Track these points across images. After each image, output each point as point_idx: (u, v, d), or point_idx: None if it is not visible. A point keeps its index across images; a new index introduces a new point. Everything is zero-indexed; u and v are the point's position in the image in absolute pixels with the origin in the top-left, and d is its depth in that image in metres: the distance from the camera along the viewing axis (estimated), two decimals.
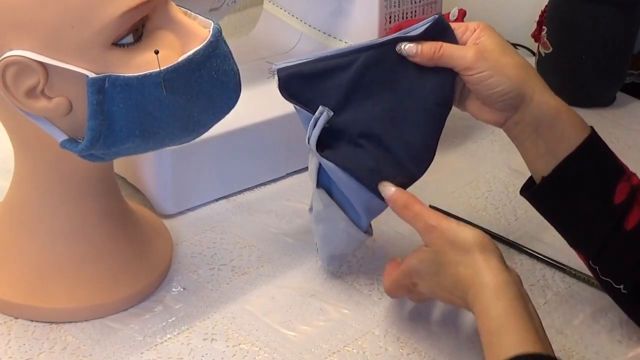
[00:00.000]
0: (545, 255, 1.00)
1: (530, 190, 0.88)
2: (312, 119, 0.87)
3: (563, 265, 0.98)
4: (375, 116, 0.88)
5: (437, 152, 0.89)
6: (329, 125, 0.87)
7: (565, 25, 1.31)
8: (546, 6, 1.35)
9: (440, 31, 0.87)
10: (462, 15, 1.11)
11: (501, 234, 1.04)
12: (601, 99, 1.36)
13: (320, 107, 0.87)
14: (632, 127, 1.31)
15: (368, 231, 0.92)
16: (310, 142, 0.87)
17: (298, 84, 0.87)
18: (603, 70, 1.32)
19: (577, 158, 0.84)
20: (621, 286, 0.86)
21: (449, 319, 0.91)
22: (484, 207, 1.10)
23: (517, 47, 1.51)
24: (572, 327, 0.92)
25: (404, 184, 0.88)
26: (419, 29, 0.87)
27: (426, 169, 0.89)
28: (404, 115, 0.88)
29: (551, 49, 1.33)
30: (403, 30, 0.88)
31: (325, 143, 0.88)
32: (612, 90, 1.36)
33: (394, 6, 1.10)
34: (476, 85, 0.85)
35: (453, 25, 0.88)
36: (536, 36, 1.39)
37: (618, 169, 0.85)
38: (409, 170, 0.88)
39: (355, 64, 0.87)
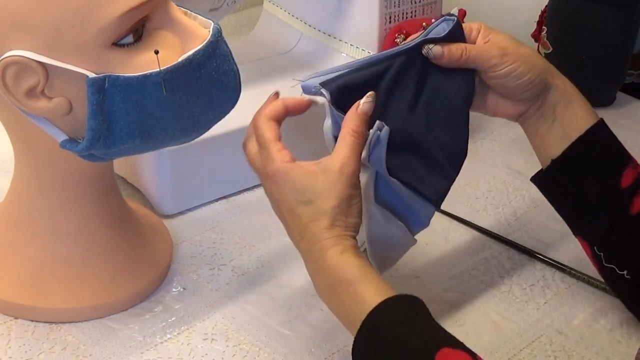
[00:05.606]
0: (545, 255, 1.00)
1: (539, 175, 0.90)
2: (370, 137, 0.82)
3: (563, 265, 0.98)
4: (412, 123, 0.86)
5: None
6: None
7: (565, 25, 1.31)
8: (546, 6, 1.35)
9: (458, 32, 0.87)
10: (462, 16, 1.11)
11: (501, 234, 1.04)
12: (601, 99, 1.36)
13: (378, 122, 0.82)
14: (632, 127, 1.30)
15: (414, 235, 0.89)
16: (372, 160, 0.82)
17: (345, 95, 0.82)
18: (603, 70, 1.32)
19: (586, 140, 0.86)
20: (625, 272, 0.86)
21: (448, 319, 0.91)
22: (484, 207, 1.09)
23: None
24: (572, 327, 0.91)
25: (444, 189, 0.86)
26: (436, 29, 0.86)
27: (460, 168, 0.87)
28: (435, 117, 0.87)
29: (551, 49, 1.33)
30: (424, 32, 0.87)
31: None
32: (612, 90, 1.36)
33: (394, 6, 1.10)
34: (503, 79, 0.86)
35: None
36: (536, 36, 1.39)
37: (625, 155, 0.88)
38: (449, 173, 0.86)
39: (390, 72, 0.85)
